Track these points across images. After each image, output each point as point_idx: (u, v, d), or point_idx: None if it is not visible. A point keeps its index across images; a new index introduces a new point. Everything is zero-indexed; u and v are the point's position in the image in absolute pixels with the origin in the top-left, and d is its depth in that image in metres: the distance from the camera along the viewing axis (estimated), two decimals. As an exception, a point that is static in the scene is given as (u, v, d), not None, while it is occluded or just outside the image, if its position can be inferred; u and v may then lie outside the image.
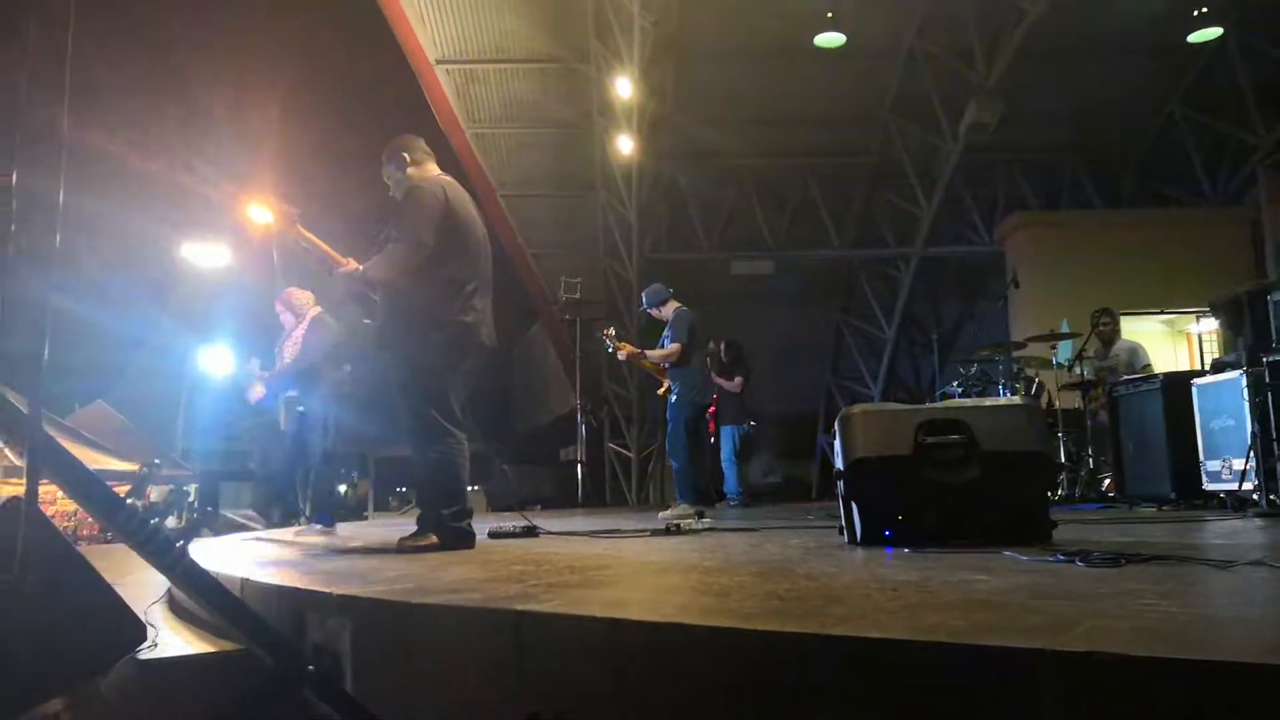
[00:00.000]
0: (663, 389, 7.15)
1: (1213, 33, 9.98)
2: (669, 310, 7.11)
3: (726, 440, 9.89)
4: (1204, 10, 9.72)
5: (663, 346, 7.04)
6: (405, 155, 4.24)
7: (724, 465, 9.86)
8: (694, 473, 7.02)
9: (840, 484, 3.47)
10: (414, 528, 4.02)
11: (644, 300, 7.38)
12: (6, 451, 6.61)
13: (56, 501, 6.90)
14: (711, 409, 9.68)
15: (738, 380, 9.93)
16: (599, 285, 14.61)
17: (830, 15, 10.16)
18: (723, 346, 10.06)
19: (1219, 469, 5.84)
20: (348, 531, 6.06)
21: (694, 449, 7.05)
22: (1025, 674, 1.25)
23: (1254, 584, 2.07)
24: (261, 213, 4.18)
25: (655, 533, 4.66)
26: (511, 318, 17.24)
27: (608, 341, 7.36)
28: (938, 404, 3.43)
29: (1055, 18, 10.27)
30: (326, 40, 13.57)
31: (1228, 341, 5.92)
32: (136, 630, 2.01)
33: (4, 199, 1.80)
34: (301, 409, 6.04)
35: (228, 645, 2.44)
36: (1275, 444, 5.15)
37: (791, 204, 14.31)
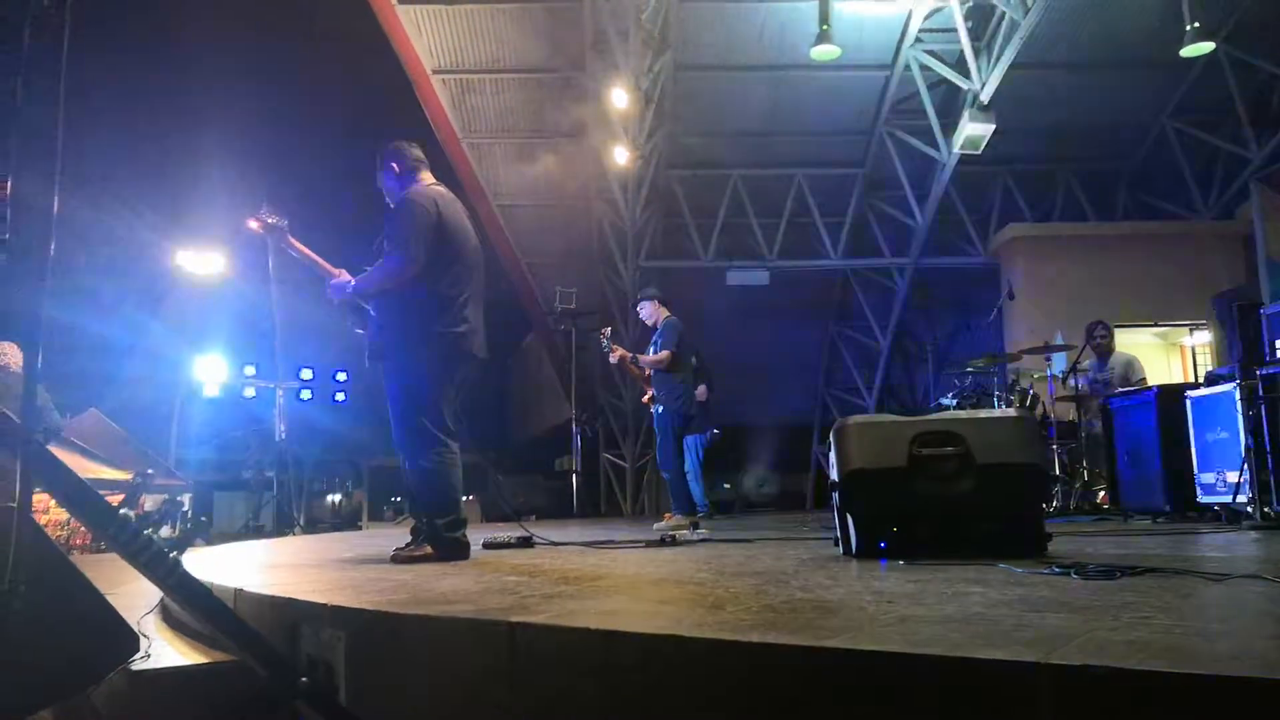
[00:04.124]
0: (646, 397, 7.23)
1: (1205, 47, 10.03)
2: (660, 316, 7.21)
3: (689, 451, 9.48)
4: (1196, 25, 9.77)
5: (652, 353, 7.14)
6: (396, 164, 4.24)
7: (686, 477, 9.40)
8: (687, 483, 7.08)
9: (835, 496, 3.47)
10: (408, 538, 4.01)
11: (640, 294, 7.57)
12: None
13: (49, 511, 6.86)
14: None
15: (701, 388, 9.64)
16: (594, 295, 14.62)
17: (825, 27, 10.19)
18: None
19: (1213, 481, 5.86)
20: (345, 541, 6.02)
21: (684, 459, 7.12)
22: (1020, 687, 1.25)
23: (1249, 598, 2.07)
24: (254, 223, 4.17)
25: (650, 544, 4.65)
26: (506, 328, 17.22)
27: (604, 341, 7.49)
28: (932, 416, 3.43)
29: (1049, 31, 10.34)
30: (323, 50, 13.57)
31: (1221, 344, 5.95)
32: (129, 641, 2.00)
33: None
34: None
35: (221, 656, 2.43)
36: (1269, 457, 5.16)
37: (786, 214, 14.34)
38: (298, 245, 4.12)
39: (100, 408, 12.01)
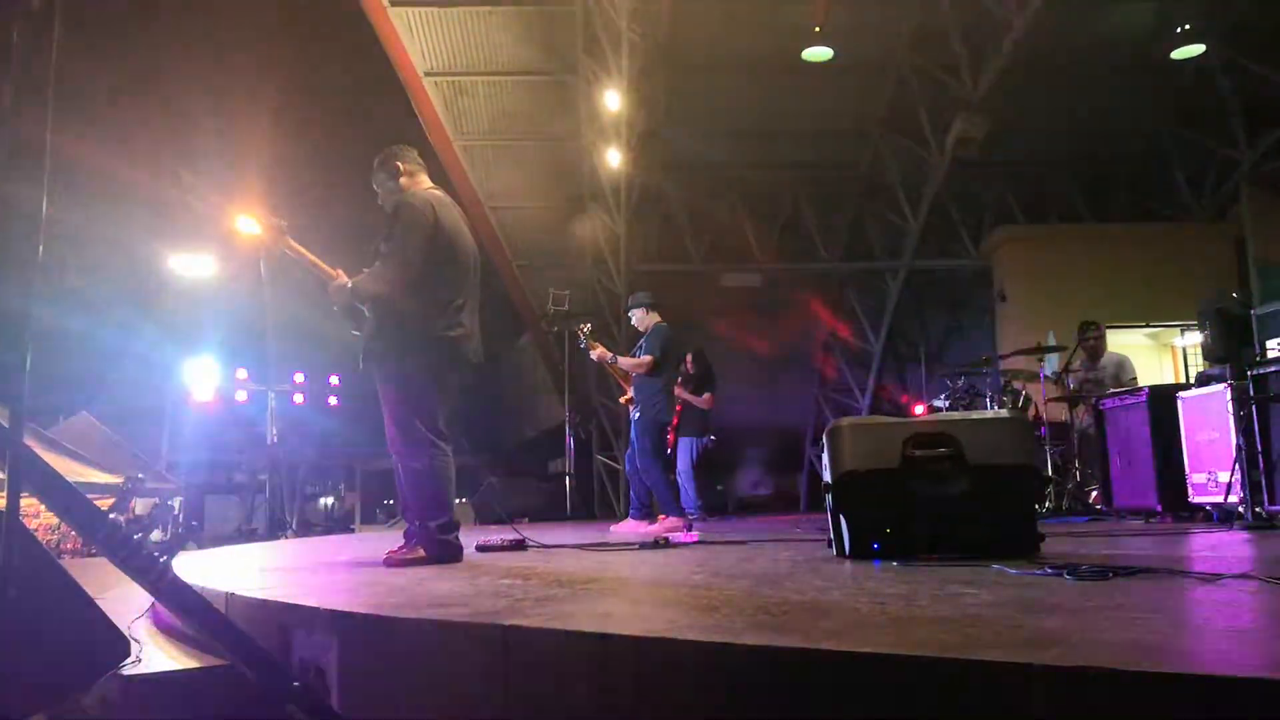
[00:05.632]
0: (625, 397, 7.22)
1: (1195, 49, 10.09)
2: (650, 321, 7.20)
3: (684, 453, 9.50)
4: (1187, 27, 9.82)
5: (636, 356, 7.12)
6: (398, 164, 4.23)
7: (680, 478, 9.36)
8: (673, 483, 7.09)
9: (829, 497, 3.47)
10: (401, 541, 4.00)
11: (629, 301, 7.55)
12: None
13: (39, 515, 6.83)
14: (673, 420, 9.47)
15: (706, 396, 9.63)
16: (587, 297, 14.61)
17: (818, 29, 10.20)
18: (690, 358, 9.74)
19: (1205, 482, 5.87)
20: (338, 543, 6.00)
21: (665, 462, 7.13)
22: (1013, 688, 1.25)
23: (1241, 598, 2.08)
24: (249, 224, 4.15)
25: (644, 546, 4.65)
26: (500, 330, 17.21)
27: (581, 337, 7.49)
28: (925, 416, 3.44)
29: (1041, 34, 10.36)
30: (315, 52, 13.55)
31: (1208, 349, 5.94)
32: (120, 645, 1.99)
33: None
34: None
35: (212, 660, 2.42)
36: (1260, 457, 5.18)
37: (780, 217, 14.35)
38: (294, 246, 4.09)
39: (91, 411, 11.98)
